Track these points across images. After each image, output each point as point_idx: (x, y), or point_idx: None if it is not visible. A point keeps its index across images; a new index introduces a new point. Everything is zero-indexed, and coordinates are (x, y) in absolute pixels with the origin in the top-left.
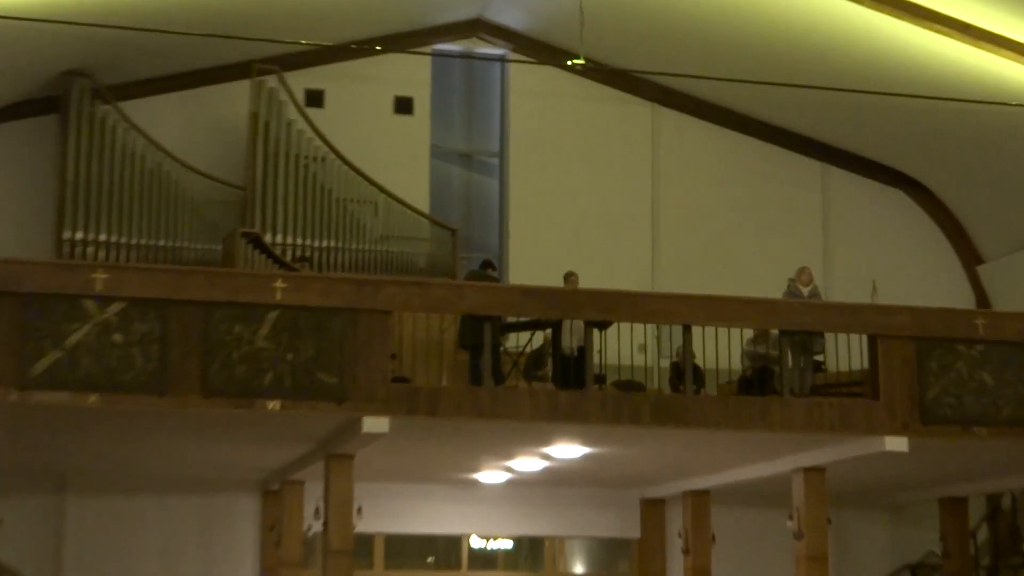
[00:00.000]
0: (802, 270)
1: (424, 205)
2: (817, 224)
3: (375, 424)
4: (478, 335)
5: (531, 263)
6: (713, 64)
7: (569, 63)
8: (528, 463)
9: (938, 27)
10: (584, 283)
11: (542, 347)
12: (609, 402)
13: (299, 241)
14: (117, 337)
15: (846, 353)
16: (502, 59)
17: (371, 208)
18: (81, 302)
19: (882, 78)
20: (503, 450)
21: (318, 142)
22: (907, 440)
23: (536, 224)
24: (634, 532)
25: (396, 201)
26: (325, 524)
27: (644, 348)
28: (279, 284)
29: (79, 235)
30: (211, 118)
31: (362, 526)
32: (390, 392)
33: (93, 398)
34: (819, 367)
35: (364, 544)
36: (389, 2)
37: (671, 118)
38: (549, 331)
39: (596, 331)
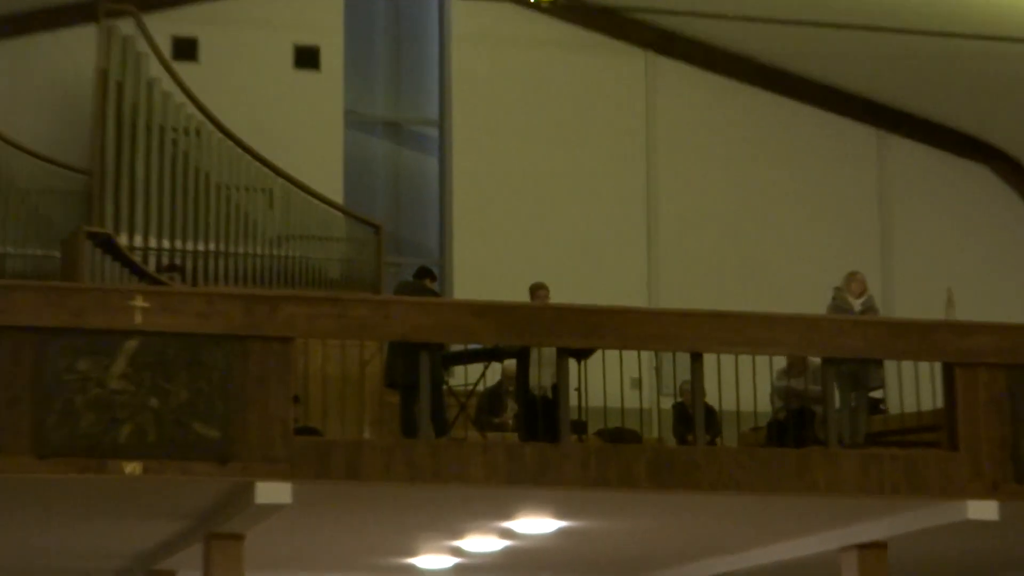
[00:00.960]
0: (852, 276)
1: (337, 193)
2: (871, 212)
3: (272, 492)
4: (412, 370)
5: (484, 271)
6: None
7: None
8: (483, 543)
9: None
10: (557, 298)
11: (500, 385)
12: (592, 458)
13: (166, 244)
14: None
15: (913, 388)
16: None
17: (264, 198)
18: None
19: (955, 16)
20: (449, 525)
21: (191, 108)
22: (997, 505)
23: (490, 218)
24: None
25: (298, 188)
26: None
27: (639, 384)
28: (139, 303)
29: None
30: (44, 77)
31: None
32: (292, 448)
33: None
34: (876, 407)
35: None
36: None
37: (672, 71)
38: (510, 363)
39: (574, 362)
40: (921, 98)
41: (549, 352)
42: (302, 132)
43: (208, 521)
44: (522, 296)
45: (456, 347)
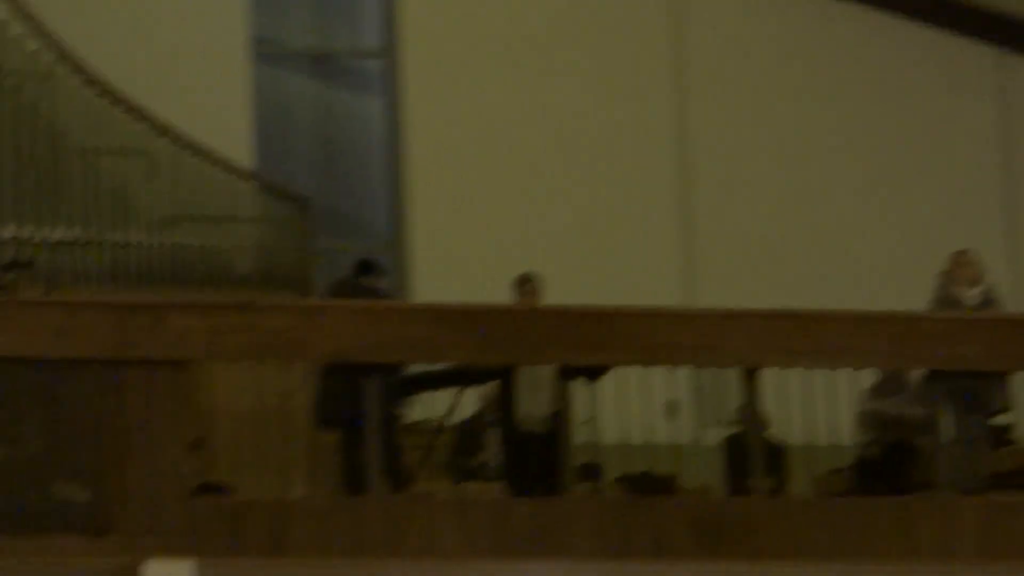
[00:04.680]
0: (961, 257)
1: (245, 155)
2: (990, 165)
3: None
4: (354, 402)
5: (453, 259)
6: None
7: None
8: None
9: None
10: (555, 295)
11: (477, 417)
12: (610, 517)
13: (6, 233)
14: None
15: None
16: None
17: (144, 164)
18: None
19: None
20: None
21: (37, 43)
22: None
23: (460, 185)
24: None
25: (190, 150)
26: None
27: (673, 411)
28: None
29: None
30: None
31: None
32: (192, 514)
33: None
34: (1002, 437)
35: None
36: None
37: None
38: (491, 387)
39: (582, 384)
40: None
41: (544, 372)
42: (194, 72)
43: None
44: (504, 293)
45: (416, 368)
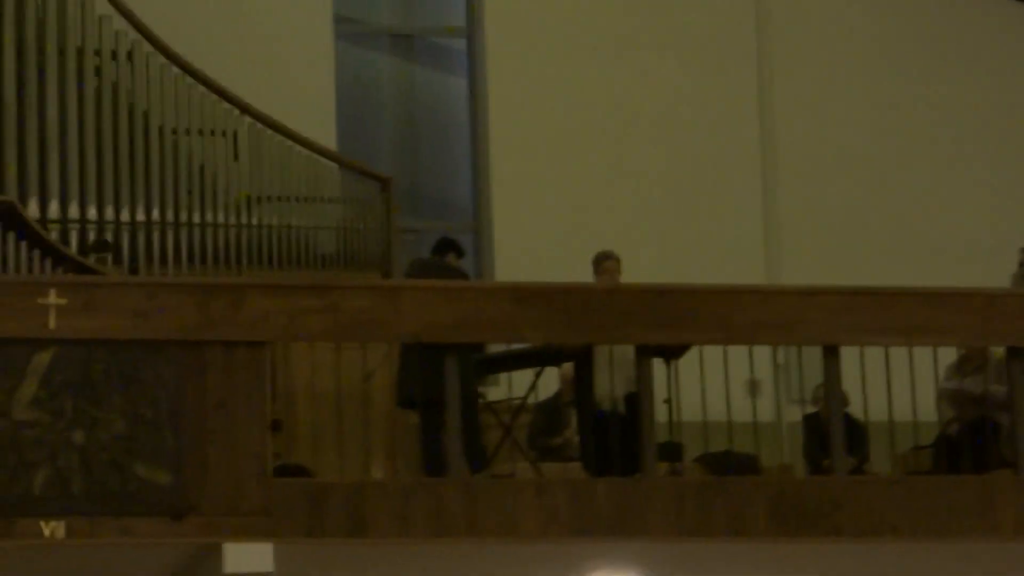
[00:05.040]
0: None
1: (328, 136)
2: None
3: (247, 557)
4: (435, 382)
5: (533, 239)
6: None
7: None
8: None
9: None
10: (633, 273)
11: (554, 398)
12: (692, 498)
13: (92, 214)
14: None
15: None
16: None
17: (227, 145)
18: None
19: None
20: None
21: (121, 22)
22: None
23: (541, 162)
24: None
25: (273, 129)
26: None
27: (754, 390)
28: (53, 299)
29: None
30: None
31: None
32: (272, 495)
33: None
34: None
35: None
36: None
37: None
38: (569, 367)
39: (662, 363)
40: None
41: (624, 352)
42: (277, 51)
43: None
44: (584, 273)
45: (496, 348)
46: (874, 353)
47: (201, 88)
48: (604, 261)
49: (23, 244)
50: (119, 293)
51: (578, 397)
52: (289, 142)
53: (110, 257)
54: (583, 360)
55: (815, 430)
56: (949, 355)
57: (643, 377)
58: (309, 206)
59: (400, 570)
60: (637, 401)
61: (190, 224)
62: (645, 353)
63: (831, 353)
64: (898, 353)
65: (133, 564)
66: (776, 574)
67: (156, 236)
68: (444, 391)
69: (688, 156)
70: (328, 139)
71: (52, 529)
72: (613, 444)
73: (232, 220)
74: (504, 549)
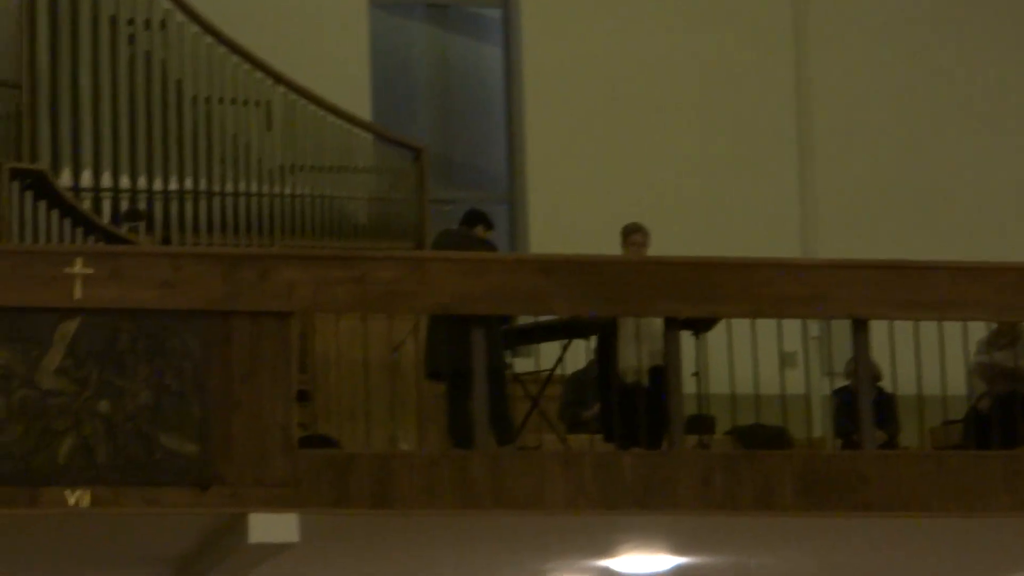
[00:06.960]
0: None
1: (362, 106)
2: None
3: (272, 527)
4: (462, 354)
5: (567, 210)
6: None
7: None
8: None
9: None
10: (662, 246)
11: (586, 370)
12: (720, 471)
13: (123, 183)
14: None
15: None
16: None
17: (260, 114)
18: None
19: None
20: (521, 568)
21: None
22: None
23: (575, 133)
24: None
25: (306, 99)
26: None
27: (787, 362)
28: (80, 269)
29: None
30: None
31: None
32: (298, 466)
33: None
34: None
35: None
36: None
37: None
38: (597, 340)
39: (690, 337)
40: None
41: (652, 324)
42: (311, 20)
43: (184, 569)
44: (612, 245)
45: (524, 320)
46: (904, 327)
47: (234, 57)
48: (632, 234)
49: (55, 212)
50: (145, 263)
51: (601, 370)
52: (322, 112)
53: (142, 226)
54: (607, 333)
55: (845, 404)
56: (979, 330)
57: (671, 350)
58: (342, 176)
59: (423, 542)
60: (662, 374)
61: (223, 193)
62: (673, 326)
63: (860, 327)
64: (928, 327)
65: (158, 534)
66: (804, 548)
67: (189, 206)
68: (472, 363)
69: (724, 129)
70: (362, 109)
71: (77, 498)
72: (639, 417)
73: (265, 190)
74: (530, 521)
